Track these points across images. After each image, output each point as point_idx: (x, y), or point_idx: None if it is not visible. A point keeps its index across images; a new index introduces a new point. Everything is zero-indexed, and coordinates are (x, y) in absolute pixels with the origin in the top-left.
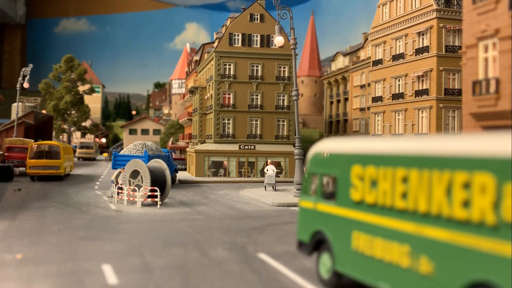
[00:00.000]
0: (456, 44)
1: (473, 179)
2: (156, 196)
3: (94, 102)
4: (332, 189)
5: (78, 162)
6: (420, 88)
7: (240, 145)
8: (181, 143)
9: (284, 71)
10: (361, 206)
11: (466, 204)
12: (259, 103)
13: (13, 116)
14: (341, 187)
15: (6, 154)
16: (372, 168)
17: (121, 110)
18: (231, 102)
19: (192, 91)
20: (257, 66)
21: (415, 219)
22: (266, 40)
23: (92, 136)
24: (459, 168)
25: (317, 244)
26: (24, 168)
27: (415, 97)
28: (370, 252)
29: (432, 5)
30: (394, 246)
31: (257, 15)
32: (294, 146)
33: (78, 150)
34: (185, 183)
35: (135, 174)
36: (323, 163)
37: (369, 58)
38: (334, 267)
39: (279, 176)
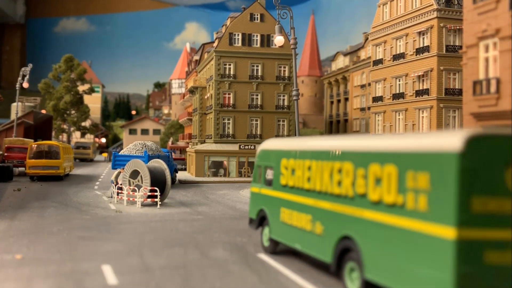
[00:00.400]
0: (457, 43)
1: (343, 166)
2: (156, 196)
3: (93, 102)
4: (270, 177)
5: (75, 162)
6: (421, 88)
7: (240, 145)
8: (181, 143)
9: (284, 71)
10: (286, 189)
11: (339, 183)
12: (259, 103)
13: (13, 116)
14: (275, 175)
15: (5, 154)
16: (292, 160)
17: (120, 110)
18: (231, 102)
19: (192, 91)
20: (257, 66)
21: (314, 196)
22: (266, 40)
23: (92, 136)
24: (335, 159)
25: (261, 220)
26: (23, 168)
27: (416, 97)
28: (290, 222)
29: (432, 4)
30: (303, 216)
31: (257, 15)
32: None
33: (75, 150)
34: (185, 183)
35: (135, 174)
36: (266, 158)
37: (369, 58)
38: (270, 235)
39: None
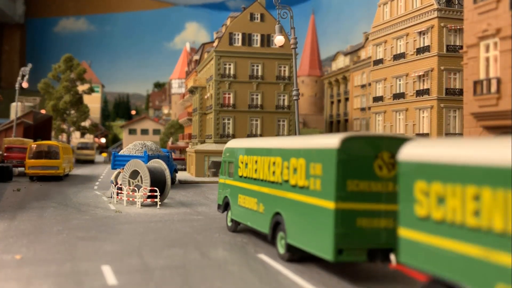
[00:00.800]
0: (457, 43)
1: (276, 160)
2: (155, 197)
3: (93, 102)
4: (232, 170)
5: (79, 165)
6: (421, 88)
7: None
8: (181, 143)
9: (284, 70)
10: (241, 179)
11: (273, 173)
12: (259, 103)
13: (12, 116)
14: (235, 168)
15: (5, 154)
16: (246, 156)
17: (120, 110)
18: (231, 102)
19: (192, 91)
20: (257, 66)
21: (259, 183)
22: (267, 40)
23: (92, 136)
24: (272, 155)
25: (226, 205)
26: (23, 168)
27: (416, 97)
28: (244, 205)
29: (433, 4)
30: (252, 200)
31: (257, 15)
32: None
33: (77, 151)
34: (185, 183)
35: (134, 174)
36: (229, 155)
37: (369, 57)
38: (231, 217)
39: None
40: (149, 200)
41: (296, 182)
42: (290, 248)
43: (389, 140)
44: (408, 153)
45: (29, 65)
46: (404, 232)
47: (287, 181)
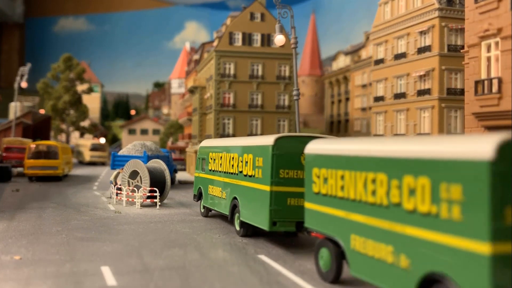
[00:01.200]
0: (459, 43)
1: (234, 156)
2: (155, 197)
3: (93, 102)
4: (204, 165)
5: (91, 167)
6: (422, 88)
7: None
8: (180, 143)
9: (284, 70)
10: (211, 172)
11: (232, 166)
12: (259, 103)
13: (11, 116)
14: (206, 164)
15: (4, 154)
16: (214, 153)
17: (120, 109)
18: (231, 102)
19: (192, 91)
20: (257, 66)
21: (223, 175)
22: (267, 39)
23: (91, 136)
24: (231, 152)
25: (200, 195)
26: (22, 169)
27: (417, 96)
28: (213, 193)
29: (434, 4)
30: (218, 189)
31: (257, 14)
32: None
33: (89, 153)
34: (184, 183)
35: (134, 174)
36: (202, 152)
37: (370, 57)
38: (203, 204)
39: None
40: (148, 200)
41: (247, 172)
42: (242, 224)
43: (312, 139)
44: (310, 148)
45: (28, 65)
46: (307, 205)
47: (241, 172)
